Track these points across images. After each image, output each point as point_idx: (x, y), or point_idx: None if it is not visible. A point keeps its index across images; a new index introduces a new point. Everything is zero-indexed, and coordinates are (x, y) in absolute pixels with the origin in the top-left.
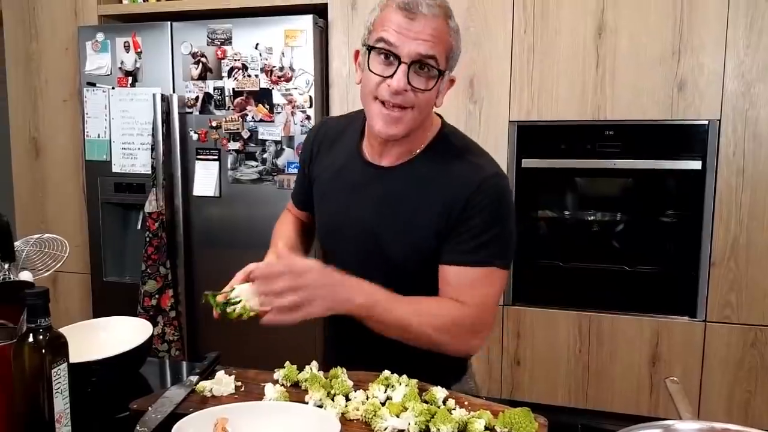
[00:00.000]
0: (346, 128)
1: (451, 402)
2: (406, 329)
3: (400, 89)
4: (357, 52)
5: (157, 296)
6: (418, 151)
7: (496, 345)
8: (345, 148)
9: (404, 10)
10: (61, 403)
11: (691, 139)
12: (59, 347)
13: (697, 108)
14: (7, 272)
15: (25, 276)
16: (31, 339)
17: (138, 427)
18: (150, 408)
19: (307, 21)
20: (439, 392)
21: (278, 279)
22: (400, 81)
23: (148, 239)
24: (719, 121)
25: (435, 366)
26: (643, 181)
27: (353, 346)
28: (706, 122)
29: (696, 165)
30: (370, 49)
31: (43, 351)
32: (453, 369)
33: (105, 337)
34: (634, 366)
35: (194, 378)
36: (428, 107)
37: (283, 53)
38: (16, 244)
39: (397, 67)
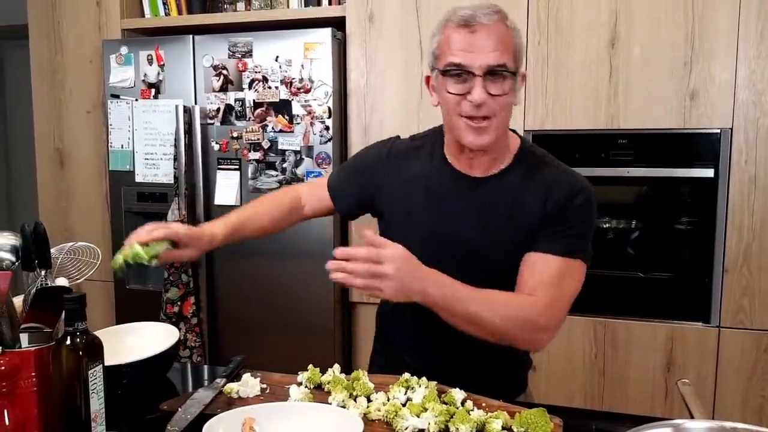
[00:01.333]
0: (423, 145)
1: (469, 403)
2: (477, 321)
3: (481, 101)
4: (428, 78)
5: (179, 303)
6: (507, 162)
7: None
8: (427, 163)
9: (464, 26)
10: (97, 404)
11: (703, 147)
12: (95, 350)
13: (709, 117)
14: (44, 279)
15: (61, 282)
16: (68, 342)
17: (169, 427)
18: (179, 409)
19: (325, 34)
20: (457, 394)
21: (360, 260)
22: (480, 95)
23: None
24: (731, 129)
25: (493, 382)
26: (656, 189)
27: (408, 365)
28: (718, 131)
29: (708, 173)
30: (443, 73)
31: (80, 353)
32: (512, 385)
33: (133, 342)
34: (649, 371)
35: (221, 380)
36: (509, 109)
37: (302, 65)
38: (51, 251)
39: (473, 82)
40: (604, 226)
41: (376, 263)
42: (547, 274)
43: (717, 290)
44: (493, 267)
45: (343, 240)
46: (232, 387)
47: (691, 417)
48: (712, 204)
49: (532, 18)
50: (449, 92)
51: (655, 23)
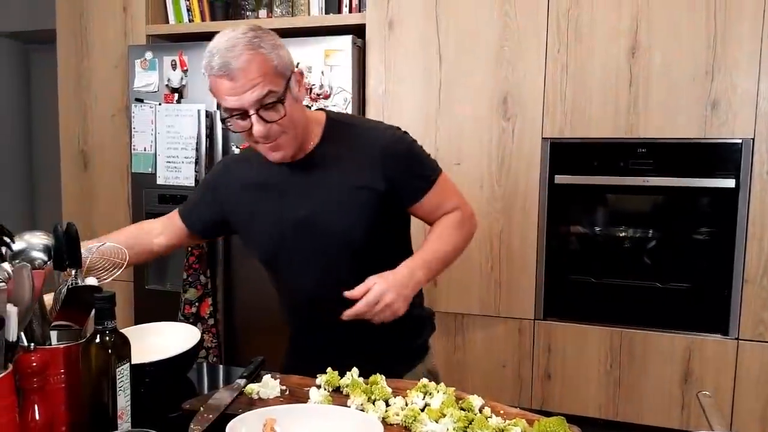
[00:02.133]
0: (252, 154)
1: (487, 410)
2: (451, 260)
3: (264, 133)
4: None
5: (197, 304)
6: (318, 137)
7: (527, 359)
8: (257, 165)
9: (222, 76)
10: (124, 401)
11: (724, 157)
12: (123, 348)
13: (731, 127)
14: (74, 278)
15: (91, 282)
16: (98, 340)
17: (192, 426)
18: (201, 408)
19: (346, 41)
20: (475, 400)
21: (369, 309)
22: (260, 129)
23: (189, 249)
24: (753, 140)
25: (398, 349)
26: (676, 199)
27: (316, 343)
28: (740, 141)
29: (729, 183)
30: (225, 120)
31: (109, 351)
32: (416, 350)
33: (155, 342)
34: (666, 383)
35: (242, 381)
36: (297, 120)
37: (322, 72)
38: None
39: (249, 119)
40: (622, 235)
41: (379, 302)
42: (441, 198)
43: (736, 302)
44: (339, 235)
45: None
46: (253, 388)
47: (711, 429)
48: (732, 214)
49: (552, 26)
50: (236, 131)
51: (677, 31)
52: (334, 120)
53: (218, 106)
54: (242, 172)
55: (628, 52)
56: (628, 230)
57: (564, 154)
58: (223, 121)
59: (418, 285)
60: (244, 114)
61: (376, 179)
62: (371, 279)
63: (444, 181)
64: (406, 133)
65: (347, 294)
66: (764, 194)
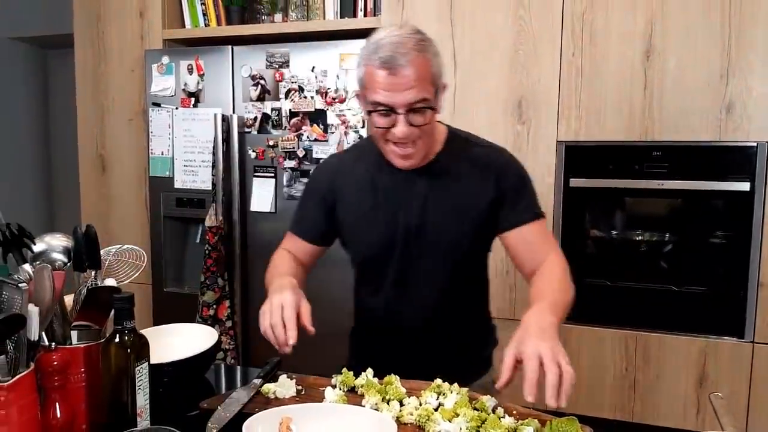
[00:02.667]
0: (360, 154)
1: (500, 410)
2: (567, 307)
3: (405, 135)
4: (358, 94)
5: (214, 306)
6: (438, 149)
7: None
8: (369, 166)
9: (385, 69)
10: (143, 399)
11: (739, 160)
12: (142, 348)
13: (746, 130)
14: (94, 279)
15: (110, 283)
16: (117, 339)
17: (209, 424)
18: (219, 407)
19: (360, 45)
20: (488, 401)
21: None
22: (403, 130)
23: (207, 252)
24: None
25: (467, 360)
26: (691, 202)
27: (387, 348)
28: (755, 144)
29: (744, 186)
30: (370, 113)
31: (128, 350)
32: (483, 361)
33: (173, 342)
34: (681, 385)
35: (258, 381)
36: (433, 130)
37: (337, 76)
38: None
39: (396, 118)
40: (637, 238)
41: (548, 364)
42: (539, 238)
43: (752, 305)
44: (446, 248)
45: None
46: (270, 387)
47: (722, 430)
48: (747, 217)
49: (567, 29)
50: (376, 126)
51: (692, 35)
52: (453, 133)
53: (359, 97)
54: (356, 170)
55: (642, 56)
56: (644, 234)
57: (579, 157)
58: (367, 112)
59: (553, 325)
60: (391, 111)
61: (487, 196)
62: (520, 342)
63: (544, 226)
64: (516, 159)
65: (499, 386)
66: None
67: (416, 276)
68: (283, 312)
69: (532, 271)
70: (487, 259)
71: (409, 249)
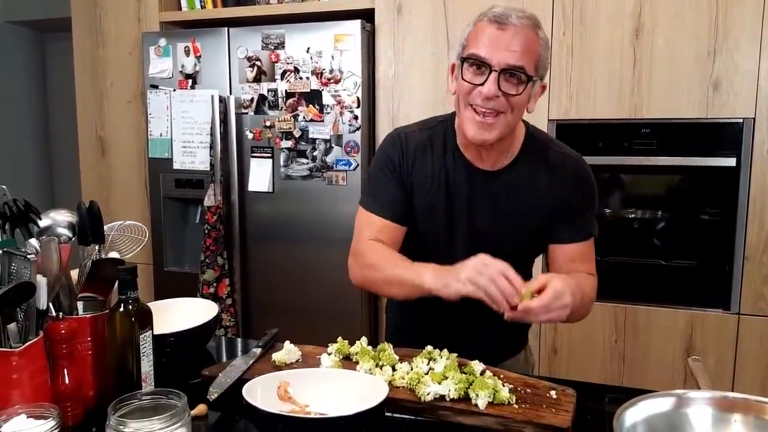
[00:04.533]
0: (432, 138)
1: (488, 373)
2: (586, 309)
3: (491, 95)
4: (453, 65)
5: (214, 285)
6: (515, 153)
7: (533, 334)
8: (442, 157)
9: (496, 22)
10: (147, 366)
11: (725, 136)
12: (145, 316)
13: (732, 106)
14: (98, 253)
15: (114, 256)
16: (122, 309)
17: (211, 389)
18: (220, 374)
19: (355, 26)
20: (477, 366)
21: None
22: (491, 88)
23: (206, 231)
24: (753, 119)
25: (506, 337)
26: (679, 178)
27: (427, 325)
28: (741, 120)
29: (730, 162)
30: (463, 60)
31: (132, 319)
32: (521, 338)
33: (175, 315)
34: (669, 356)
35: (258, 350)
36: (519, 112)
37: (332, 56)
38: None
39: (488, 75)
40: (627, 214)
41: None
42: (583, 258)
43: (737, 278)
44: (506, 251)
45: None
46: (279, 357)
47: (698, 388)
48: (734, 193)
49: (558, 8)
50: (464, 79)
51: (679, 13)
52: (532, 134)
53: (459, 57)
54: (427, 157)
55: (632, 35)
56: (633, 210)
57: (569, 135)
58: (463, 60)
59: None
60: (485, 67)
61: (555, 203)
62: (545, 277)
63: (592, 247)
64: (591, 172)
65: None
66: (764, 172)
67: None
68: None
69: None
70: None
71: (468, 247)
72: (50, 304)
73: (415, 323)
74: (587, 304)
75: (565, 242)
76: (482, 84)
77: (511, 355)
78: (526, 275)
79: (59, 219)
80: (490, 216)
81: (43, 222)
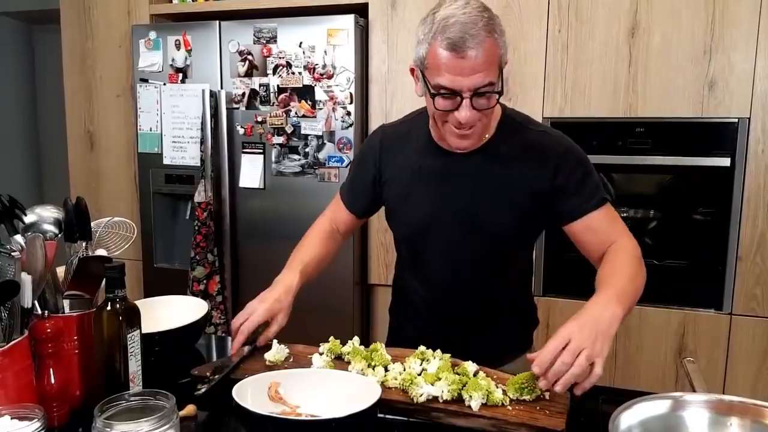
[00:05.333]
0: (410, 130)
1: (481, 374)
2: (637, 296)
3: (470, 120)
4: (412, 69)
5: (205, 282)
6: (491, 132)
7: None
8: (417, 147)
9: (452, 50)
10: (135, 365)
11: (720, 136)
12: (133, 315)
13: (727, 106)
14: (85, 250)
15: (101, 254)
16: (109, 307)
17: (198, 386)
18: (208, 373)
19: (348, 20)
20: (470, 366)
21: (558, 357)
22: (467, 115)
23: (197, 228)
24: (749, 119)
25: (509, 340)
26: (673, 178)
27: (428, 327)
28: (736, 120)
29: (725, 162)
30: (433, 96)
31: (120, 318)
32: (525, 341)
33: (163, 314)
34: (660, 356)
35: (246, 348)
36: (493, 110)
37: (325, 51)
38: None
39: (461, 103)
40: (621, 215)
41: (565, 352)
42: (606, 224)
43: (730, 278)
44: (492, 232)
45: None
46: (271, 356)
47: (693, 390)
48: (728, 193)
49: (553, 6)
50: (437, 108)
51: (676, 12)
52: (509, 116)
53: (415, 73)
54: (404, 149)
55: (627, 33)
56: (627, 209)
57: (564, 133)
58: (430, 95)
59: (615, 317)
60: (454, 94)
61: (542, 185)
62: (561, 331)
63: (611, 210)
64: (575, 145)
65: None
66: (758, 173)
67: (459, 259)
68: (247, 321)
69: (600, 257)
70: (534, 244)
71: (452, 233)
72: (35, 303)
73: (418, 324)
74: (637, 276)
75: (575, 217)
76: (457, 109)
77: (516, 356)
78: (526, 261)
79: (45, 215)
80: (470, 197)
81: (29, 218)
